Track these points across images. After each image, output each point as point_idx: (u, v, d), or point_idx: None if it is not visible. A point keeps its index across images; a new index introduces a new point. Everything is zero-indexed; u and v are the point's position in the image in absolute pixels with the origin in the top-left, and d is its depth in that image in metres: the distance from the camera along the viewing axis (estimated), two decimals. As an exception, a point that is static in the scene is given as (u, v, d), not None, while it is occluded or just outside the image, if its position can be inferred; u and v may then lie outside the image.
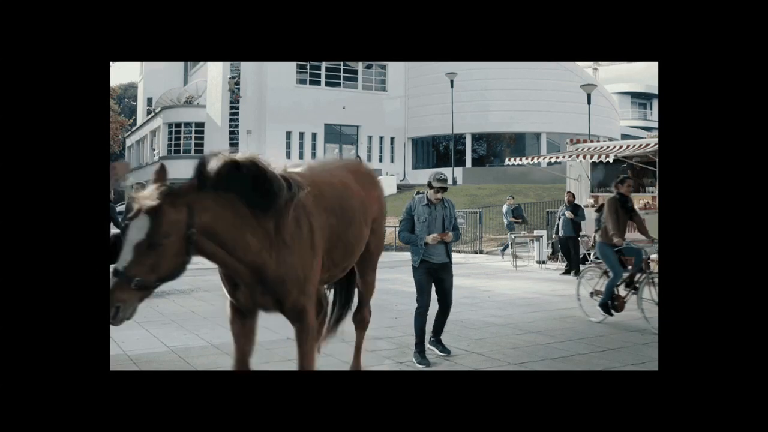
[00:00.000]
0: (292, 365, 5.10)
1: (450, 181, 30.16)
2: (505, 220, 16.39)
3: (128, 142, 46.00)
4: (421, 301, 5.09)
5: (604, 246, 7.16)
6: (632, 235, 12.72)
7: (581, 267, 12.58)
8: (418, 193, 5.32)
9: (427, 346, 5.19)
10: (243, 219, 2.79)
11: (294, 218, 2.97)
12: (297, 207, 2.98)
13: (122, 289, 2.45)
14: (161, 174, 2.69)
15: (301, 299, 3.01)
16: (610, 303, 6.99)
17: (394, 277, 11.98)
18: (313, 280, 3.09)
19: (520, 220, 15.91)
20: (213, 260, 2.83)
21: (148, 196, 2.58)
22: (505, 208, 16.44)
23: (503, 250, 15.77)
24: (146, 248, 2.53)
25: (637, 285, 6.96)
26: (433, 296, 5.19)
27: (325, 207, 3.25)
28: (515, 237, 14.93)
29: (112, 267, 2.50)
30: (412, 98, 36.69)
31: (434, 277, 5.08)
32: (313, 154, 35.21)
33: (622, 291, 7.01)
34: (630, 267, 7.22)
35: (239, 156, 2.85)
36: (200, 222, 2.66)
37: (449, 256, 5.09)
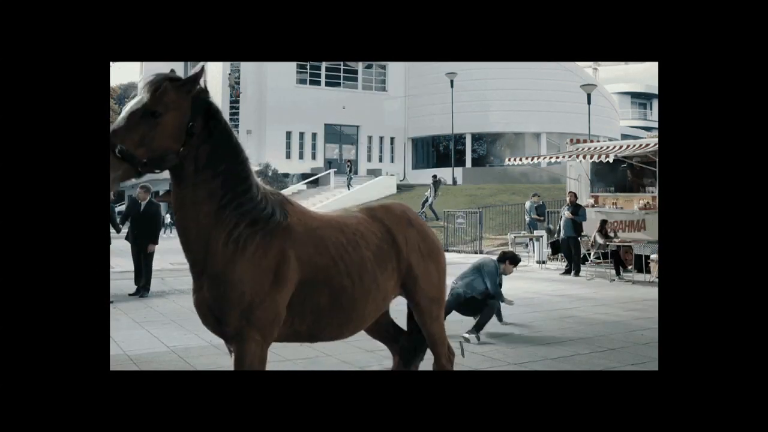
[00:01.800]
0: (292, 365, 5.11)
1: (450, 181, 30.25)
2: (527, 217, 16.34)
3: (128, 142, 45.93)
4: None
5: None
6: (633, 235, 12.77)
7: (581, 267, 12.63)
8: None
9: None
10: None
11: (268, 233, 2.75)
12: (277, 226, 2.78)
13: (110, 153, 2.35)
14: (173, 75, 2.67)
15: (242, 324, 2.68)
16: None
17: (394, 277, 11.97)
18: (265, 310, 2.70)
19: (542, 218, 15.86)
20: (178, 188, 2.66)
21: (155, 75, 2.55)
22: (528, 204, 16.38)
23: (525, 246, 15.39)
24: (140, 117, 2.45)
25: None
26: None
27: (317, 245, 2.92)
28: (515, 237, 14.92)
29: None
30: (412, 98, 36.71)
31: None
32: (313, 155, 35.29)
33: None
34: None
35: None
36: (199, 125, 2.60)
37: None
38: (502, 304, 7.15)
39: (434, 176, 24.76)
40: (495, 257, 7.30)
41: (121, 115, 2.49)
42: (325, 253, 2.93)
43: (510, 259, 7.20)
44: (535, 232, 15.15)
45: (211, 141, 2.67)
